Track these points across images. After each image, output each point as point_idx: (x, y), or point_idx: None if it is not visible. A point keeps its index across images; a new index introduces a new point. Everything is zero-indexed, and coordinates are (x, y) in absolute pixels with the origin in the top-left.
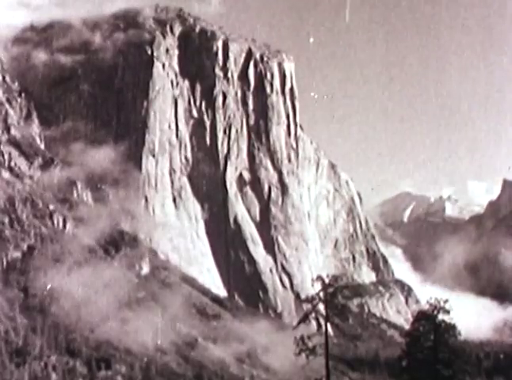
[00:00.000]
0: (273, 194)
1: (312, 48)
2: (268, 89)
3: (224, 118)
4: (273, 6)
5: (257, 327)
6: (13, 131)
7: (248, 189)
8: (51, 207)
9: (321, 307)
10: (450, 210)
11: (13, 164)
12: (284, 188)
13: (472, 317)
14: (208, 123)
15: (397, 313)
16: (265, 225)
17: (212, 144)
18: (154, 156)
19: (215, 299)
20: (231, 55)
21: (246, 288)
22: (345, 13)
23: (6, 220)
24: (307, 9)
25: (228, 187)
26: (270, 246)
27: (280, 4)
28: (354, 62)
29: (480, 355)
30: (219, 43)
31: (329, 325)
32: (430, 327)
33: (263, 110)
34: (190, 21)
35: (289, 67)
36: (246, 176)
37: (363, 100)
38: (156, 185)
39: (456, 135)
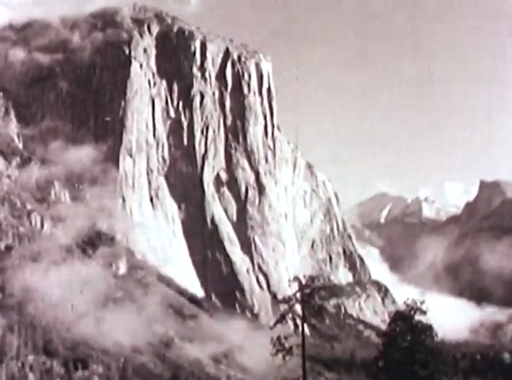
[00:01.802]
0: (250, 194)
1: (289, 49)
2: (245, 90)
3: (202, 118)
4: (251, 7)
5: (234, 327)
6: None
7: (225, 189)
8: (29, 206)
9: (298, 308)
10: (427, 211)
11: None
12: (261, 189)
13: (449, 318)
14: (185, 123)
15: (374, 314)
16: (242, 225)
17: (190, 144)
18: (131, 156)
19: (192, 299)
20: (208, 55)
21: (223, 288)
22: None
23: None
24: (287, 9)
25: (205, 187)
26: (247, 246)
27: (259, 4)
28: (333, 64)
29: (457, 356)
30: (197, 43)
31: (306, 326)
32: (407, 327)
33: (240, 110)
34: (168, 21)
35: (267, 67)
36: (224, 176)
37: (341, 102)
38: (133, 185)
39: (433, 137)
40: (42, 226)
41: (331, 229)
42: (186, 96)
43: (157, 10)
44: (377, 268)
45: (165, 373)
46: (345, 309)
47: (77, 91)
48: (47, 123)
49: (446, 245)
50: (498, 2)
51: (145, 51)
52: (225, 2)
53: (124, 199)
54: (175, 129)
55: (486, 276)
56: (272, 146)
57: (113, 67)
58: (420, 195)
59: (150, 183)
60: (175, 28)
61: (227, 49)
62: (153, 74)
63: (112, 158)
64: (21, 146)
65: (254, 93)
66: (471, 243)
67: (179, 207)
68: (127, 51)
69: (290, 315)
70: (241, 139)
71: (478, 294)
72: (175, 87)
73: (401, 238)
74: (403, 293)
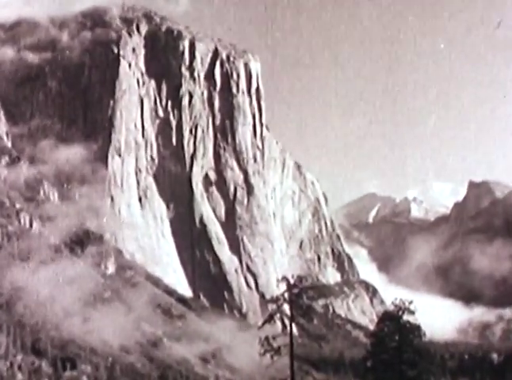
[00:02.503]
0: (238, 194)
1: (279, 49)
2: (234, 89)
3: (190, 118)
4: (240, 6)
5: (222, 327)
6: None
7: (214, 189)
8: (18, 205)
9: (286, 308)
10: (416, 212)
11: None
12: (249, 188)
13: (437, 318)
14: (174, 123)
15: (362, 314)
16: (230, 225)
17: (178, 144)
18: (120, 155)
19: (181, 299)
20: (197, 54)
21: (212, 288)
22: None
23: None
24: (275, 9)
25: (194, 187)
26: (236, 246)
27: (247, 4)
28: (319, 64)
29: (445, 356)
30: (186, 43)
31: (294, 326)
32: (395, 328)
33: (229, 110)
34: (156, 21)
35: (255, 67)
36: (212, 176)
37: (328, 102)
38: (122, 185)
39: (421, 137)
40: (31, 225)
41: (320, 229)
42: (175, 96)
43: (146, 10)
44: (366, 268)
45: (153, 372)
46: (333, 309)
47: (66, 90)
48: (36, 122)
49: (435, 246)
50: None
51: (134, 50)
52: (215, 2)
53: (112, 199)
54: (164, 129)
55: (476, 277)
56: (260, 146)
57: (102, 67)
58: (408, 196)
59: (138, 182)
60: (164, 28)
61: (216, 49)
62: (142, 74)
63: (101, 158)
64: (9, 144)
65: (243, 93)
66: (461, 244)
67: (168, 207)
68: (115, 51)
69: (278, 315)
70: (230, 139)
71: (467, 294)
72: (164, 86)
73: (389, 238)
74: (392, 293)
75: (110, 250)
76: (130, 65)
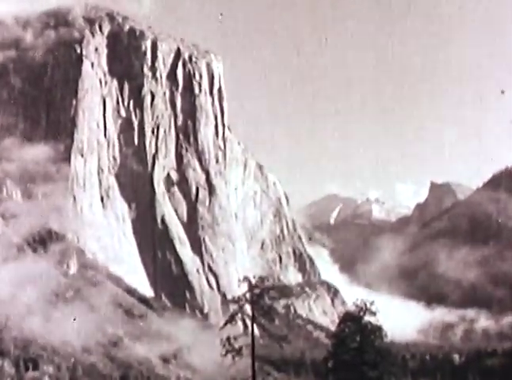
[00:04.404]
0: (200, 194)
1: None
2: (196, 90)
3: (152, 118)
4: (203, 7)
5: (184, 327)
6: None
7: (176, 189)
8: None
9: (247, 308)
10: (377, 213)
11: None
12: (211, 189)
13: (399, 319)
14: (136, 123)
15: (323, 315)
16: (192, 225)
17: (140, 144)
18: (82, 155)
19: (142, 299)
20: (159, 54)
21: (173, 288)
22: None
23: None
24: (238, 10)
25: (156, 187)
26: (197, 246)
27: (210, 5)
28: (282, 63)
29: (406, 357)
30: (148, 43)
31: (255, 326)
32: (356, 328)
33: (191, 110)
34: (119, 20)
35: (218, 68)
36: (174, 176)
37: (290, 102)
38: (84, 184)
39: (382, 138)
40: None
41: (281, 230)
42: (137, 96)
43: (108, 10)
44: (327, 269)
45: (114, 373)
46: (294, 309)
47: (29, 89)
48: None
49: (399, 247)
50: None
51: (96, 50)
52: (177, 2)
53: (75, 199)
54: (126, 128)
55: (441, 281)
56: (222, 147)
57: (65, 66)
58: (370, 197)
59: (100, 182)
60: (126, 28)
61: (178, 49)
62: (104, 74)
63: (64, 157)
64: None
65: (205, 93)
66: (424, 245)
67: (129, 207)
68: (78, 50)
69: (240, 315)
70: (192, 139)
71: (427, 295)
72: (126, 86)
73: (351, 239)
74: (353, 294)
75: (72, 250)
76: (93, 64)
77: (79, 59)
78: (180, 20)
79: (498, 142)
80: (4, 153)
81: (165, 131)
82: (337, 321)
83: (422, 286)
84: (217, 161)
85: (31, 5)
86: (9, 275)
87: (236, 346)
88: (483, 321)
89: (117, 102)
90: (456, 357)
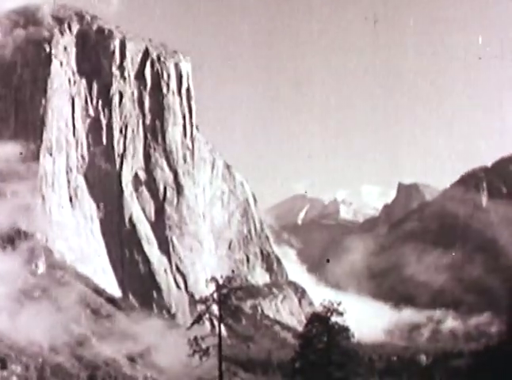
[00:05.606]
0: (168, 194)
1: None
2: (164, 89)
3: (121, 117)
4: (171, 7)
5: (151, 327)
6: None
7: (143, 189)
8: None
9: (215, 308)
10: (345, 213)
11: None
12: (179, 189)
13: (366, 320)
14: (104, 122)
15: (290, 315)
16: (160, 225)
17: (108, 143)
18: (51, 154)
19: (110, 299)
20: (127, 54)
21: (141, 288)
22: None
23: None
24: (207, 10)
25: (124, 186)
26: (165, 246)
27: (179, 4)
28: (258, 63)
29: (373, 357)
30: (116, 42)
31: (222, 326)
32: (323, 329)
33: (159, 110)
34: (88, 19)
35: (186, 68)
36: (142, 175)
37: (258, 102)
38: (53, 184)
39: (351, 138)
40: None
41: (249, 230)
42: (105, 95)
43: (77, 9)
44: (295, 270)
45: (82, 373)
46: (261, 309)
47: None
48: None
49: (365, 247)
50: None
51: (65, 49)
52: (146, 2)
53: (43, 198)
54: (94, 128)
55: (407, 280)
56: (191, 146)
57: (34, 65)
58: (338, 197)
59: (69, 182)
60: (95, 27)
61: (147, 48)
62: (73, 73)
63: (33, 156)
64: None
65: (173, 93)
66: (393, 246)
67: (97, 206)
68: (47, 49)
69: (207, 315)
70: (160, 139)
71: (395, 296)
72: (95, 86)
73: (318, 240)
74: (321, 294)
75: (41, 249)
76: (61, 64)
77: (48, 58)
78: (148, 20)
79: (467, 143)
80: None
81: (133, 131)
82: (304, 321)
83: (389, 287)
84: (185, 161)
85: (0, 3)
86: None
87: (203, 346)
88: (450, 322)
89: (86, 101)
90: (423, 358)
